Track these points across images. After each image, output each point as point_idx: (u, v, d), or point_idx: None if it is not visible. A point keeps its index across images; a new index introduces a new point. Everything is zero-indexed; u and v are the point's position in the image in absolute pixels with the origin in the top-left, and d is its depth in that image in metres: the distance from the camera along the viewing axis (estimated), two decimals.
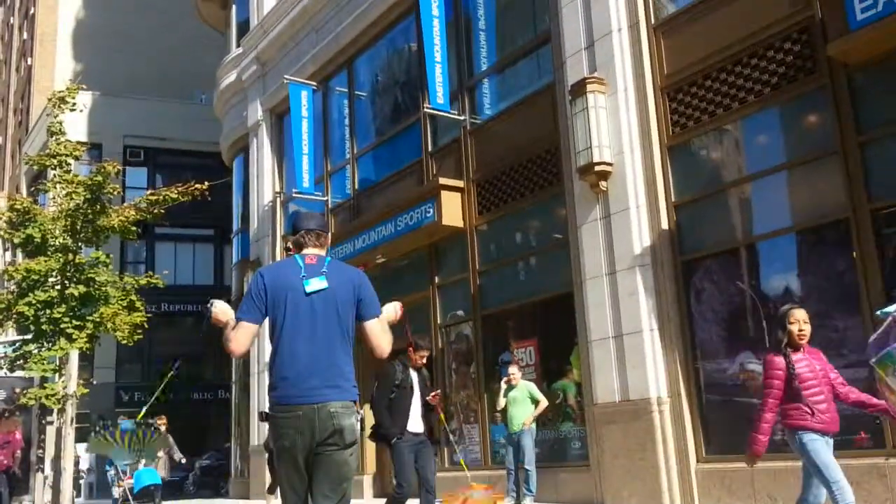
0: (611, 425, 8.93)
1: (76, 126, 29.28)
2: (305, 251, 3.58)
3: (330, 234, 3.77)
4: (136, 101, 31.49)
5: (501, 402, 9.88)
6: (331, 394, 3.34)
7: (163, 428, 13.06)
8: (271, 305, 3.43)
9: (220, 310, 3.50)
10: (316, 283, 3.41)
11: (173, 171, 31.68)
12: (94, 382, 15.59)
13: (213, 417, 28.08)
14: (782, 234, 8.15)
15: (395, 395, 6.53)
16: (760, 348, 8.03)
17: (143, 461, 12.41)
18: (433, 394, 6.95)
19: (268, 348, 3.66)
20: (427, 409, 6.78)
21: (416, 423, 6.59)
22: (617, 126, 9.21)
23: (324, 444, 3.32)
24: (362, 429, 3.48)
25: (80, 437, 26.43)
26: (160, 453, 12.83)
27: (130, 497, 11.66)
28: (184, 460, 13.95)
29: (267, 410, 3.44)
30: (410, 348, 6.86)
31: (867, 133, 7.39)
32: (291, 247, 3.65)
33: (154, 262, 30.95)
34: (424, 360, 7.07)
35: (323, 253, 3.60)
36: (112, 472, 12.17)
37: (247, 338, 3.45)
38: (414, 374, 6.77)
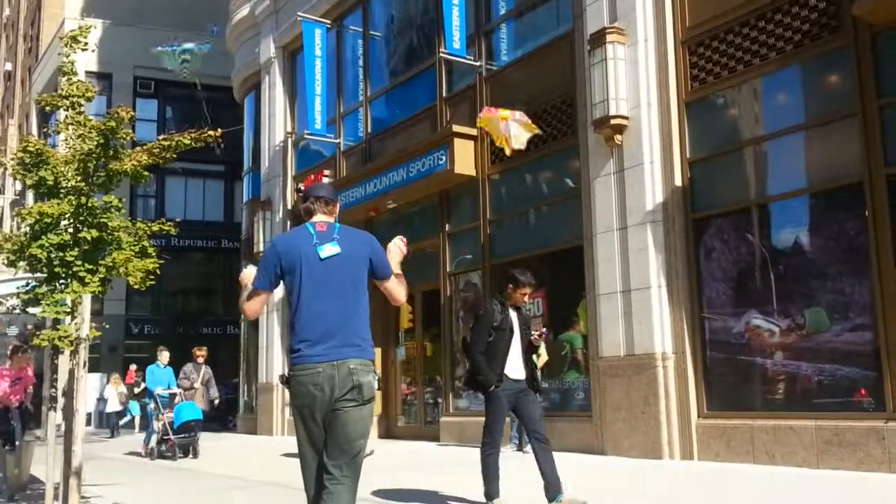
0: (614, 378, 9.04)
1: (85, 56, 29.04)
2: (315, 218, 3.69)
3: (338, 203, 3.85)
4: (146, 32, 31.03)
5: None
6: (350, 352, 3.46)
7: (201, 360, 12.84)
8: (287, 272, 3.56)
9: (246, 274, 3.73)
10: (329, 249, 3.53)
11: (184, 104, 31.45)
12: (107, 326, 15.52)
13: (222, 352, 28.51)
14: (796, 196, 8.09)
15: (492, 337, 5.80)
16: (767, 307, 8.07)
17: (183, 393, 12.10)
18: (538, 333, 6.26)
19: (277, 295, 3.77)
20: (529, 352, 6.05)
21: (516, 369, 5.86)
22: (635, 79, 9.07)
23: (342, 400, 3.43)
24: (378, 387, 3.59)
25: (90, 366, 27.02)
26: (198, 384, 12.56)
27: (171, 431, 11.48)
28: (217, 400, 13.48)
29: (287, 373, 3.54)
30: (510, 286, 6.10)
31: (887, 97, 7.26)
32: (302, 213, 3.76)
33: (164, 197, 31.03)
34: (526, 298, 6.31)
35: (332, 220, 3.72)
36: (151, 405, 11.99)
37: (259, 304, 3.69)
38: (513, 314, 6.01)
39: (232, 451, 13.32)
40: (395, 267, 3.76)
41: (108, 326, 21.72)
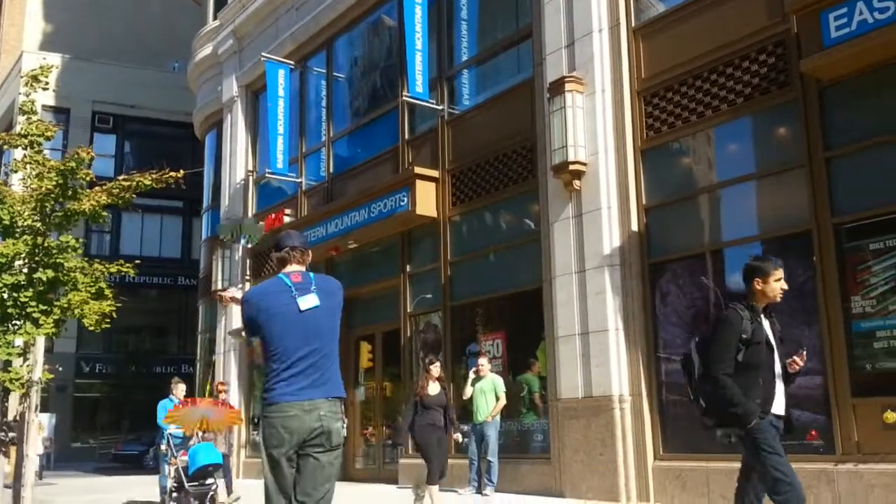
0: (573, 420, 9.11)
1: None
2: (289, 268, 3.83)
3: (310, 251, 3.97)
4: (106, 67, 30.89)
5: (468, 391, 10.02)
6: (321, 397, 3.60)
7: (223, 395, 11.54)
8: (263, 323, 3.69)
9: (230, 291, 3.92)
10: (310, 300, 3.69)
11: (143, 140, 31.21)
12: (60, 368, 15.09)
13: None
14: (748, 242, 8.34)
15: (744, 354, 4.33)
16: None
17: (200, 436, 10.29)
18: (797, 355, 4.64)
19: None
20: (787, 376, 4.53)
21: (777, 400, 4.43)
22: (593, 126, 9.30)
23: (310, 445, 3.55)
24: (345, 434, 3.69)
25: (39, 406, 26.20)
26: None
27: (185, 478, 9.61)
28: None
29: (260, 414, 3.64)
30: (757, 279, 4.57)
31: (834, 149, 7.58)
32: (275, 263, 3.88)
33: (120, 233, 30.55)
34: (780, 296, 4.62)
35: (304, 269, 3.86)
36: (163, 446, 10.38)
37: (262, 350, 3.86)
38: (766, 323, 4.52)
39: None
40: None
41: (60, 368, 21.12)
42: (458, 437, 9.91)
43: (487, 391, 9.88)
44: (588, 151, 9.32)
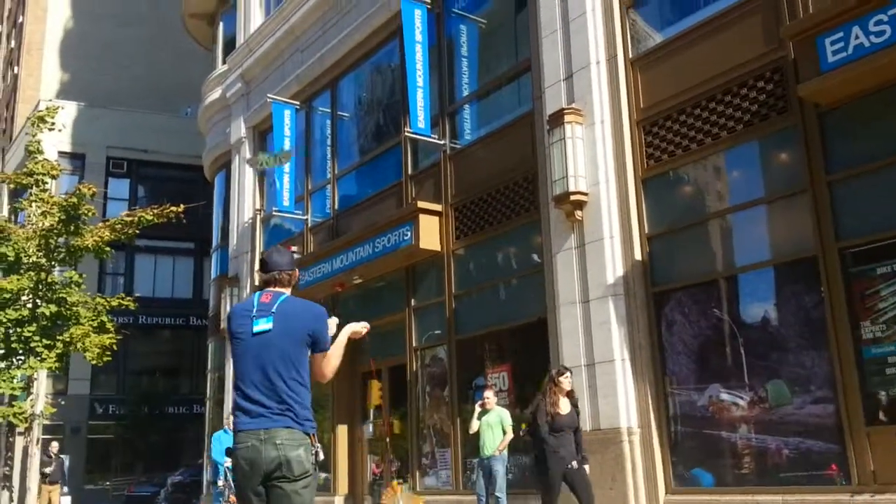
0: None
1: (60, 137, 29.21)
2: (267, 289, 3.73)
3: (295, 272, 3.84)
4: (120, 113, 31.47)
5: (475, 425, 9.90)
6: (277, 426, 3.45)
7: None
8: (230, 337, 3.69)
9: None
10: (262, 325, 3.57)
11: (156, 184, 31.60)
12: (63, 402, 15.29)
13: (189, 433, 27.83)
14: (753, 269, 8.27)
15: None
16: (730, 380, 8.15)
17: None
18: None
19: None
20: None
21: None
22: (593, 157, 9.33)
23: (274, 478, 3.43)
24: (317, 461, 3.52)
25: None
26: None
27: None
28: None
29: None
30: None
31: (835, 172, 7.53)
32: (261, 283, 3.80)
33: (133, 275, 30.78)
34: None
35: (286, 290, 3.73)
36: (220, 482, 9.83)
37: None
38: None
39: None
40: (330, 342, 3.75)
41: (63, 403, 21.05)
42: (574, 464, 7.51)
43: (494, 425, 9.76)
44: (589, 182, 9.33)
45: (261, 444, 3.41)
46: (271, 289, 3.71)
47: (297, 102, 15.51)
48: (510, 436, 9.74)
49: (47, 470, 14.93)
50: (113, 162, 31.63)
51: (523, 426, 7.47)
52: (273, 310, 3.59)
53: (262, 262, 3.81)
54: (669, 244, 8.98)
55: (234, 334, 3.61)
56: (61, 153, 27.55)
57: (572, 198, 9.28)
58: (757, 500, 7.46)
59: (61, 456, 15.50)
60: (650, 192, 9.10)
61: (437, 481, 11.71)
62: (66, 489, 16.75)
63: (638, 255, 8.96)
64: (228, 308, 16.44)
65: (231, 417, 10.51)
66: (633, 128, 9.26)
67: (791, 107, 7.84)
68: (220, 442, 9.79)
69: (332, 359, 3.74)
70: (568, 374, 7.35)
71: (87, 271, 6.61)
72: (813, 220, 7.56)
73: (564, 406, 7.19)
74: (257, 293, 3.71)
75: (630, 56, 9.44)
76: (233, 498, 8.84)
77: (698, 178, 8.93)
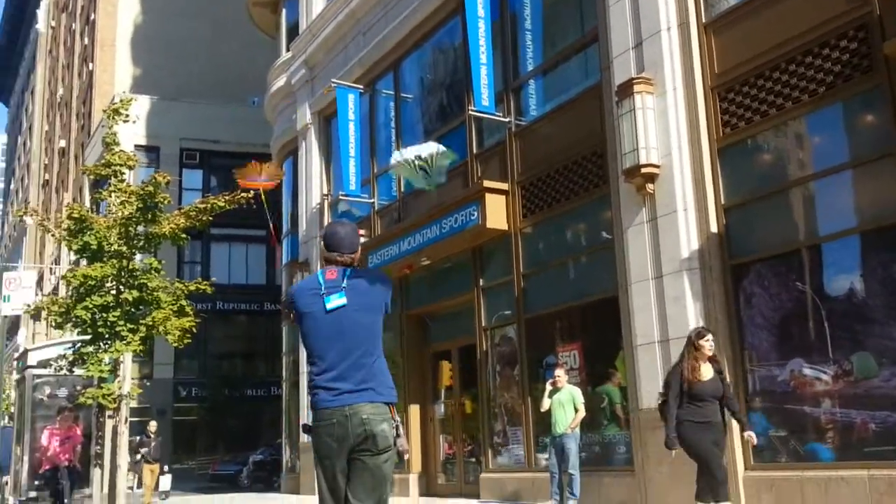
0: (656, 431, 8.77)
1: (135, 130, 30.19)
2: (329, 266, 3.67)
3: (357, 252, 3.74)
4: (190, 105, 32.27)
5: (546, 404, 9.85)
6: (361, 400, 3.44)
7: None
8: (297, 320, 3.63)
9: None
10: (335, 300, 3.53)
11: (227, 173, 32.34)
12: (148, 384, 15.94)
13: (267, 414, 28.60)
14: (837, 238, 7.92)
15: None
16: (813, 353, 7.87)
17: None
18: None
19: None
20: None
21: None
22: (665, 127, 9.08)
23: (357, 451, 3.43)
24: (398, 434, 3.51)
25: (142, 430, 27.24)
26: None
27: None
28: (407, 454, 11.60)
29: (309, 422, 3.58)
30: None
31: None
32: (323, 259, 3.74)
33: (209, 263, 31.67)
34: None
35: (346, 264, 3.66)
36: None
37: None
38: None
39: None
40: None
41: (148, 384, 21.86)
42: (752, 435, 6.91)
43: (566, 403, 9.69)
44: (661, 153, 9.09)
45: (346, 420, 3.41)
46: (335, 266, 3.65)
47: (361, 86, 15.59)
48: (582, 413, 9.66)
49: (145, 450, 15.14)
50: (186, 153, 32.50)
51: (659, 396, 6.89)
52: (343, 285, 3.56)
53: (327, 238, 3.72)
54: (747, 215, 8.68)
55: (304, 313, 3.57)
56: (137, 146, 28.45)
57: (643, 170, 9.06)
58: (841, 475, 7.20)
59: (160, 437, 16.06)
60: (726, 162, 8.81)
61: (509, 459, 11.72)
62: (166, 468, 17.29)
63: (714, 227, 8.70)
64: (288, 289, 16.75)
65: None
66: (708, 95, 8.96)
67: (876, 66, 7.44)
68: None
69: None
70: (709, 336, 6.52)
71: (166, 260, 6.84)
72: None
73: (706, 372, 6.39)
74: (320, 271, 3.67)
75: (703, 20, 9.11)
76: None
77: (777, 145, 8.59)
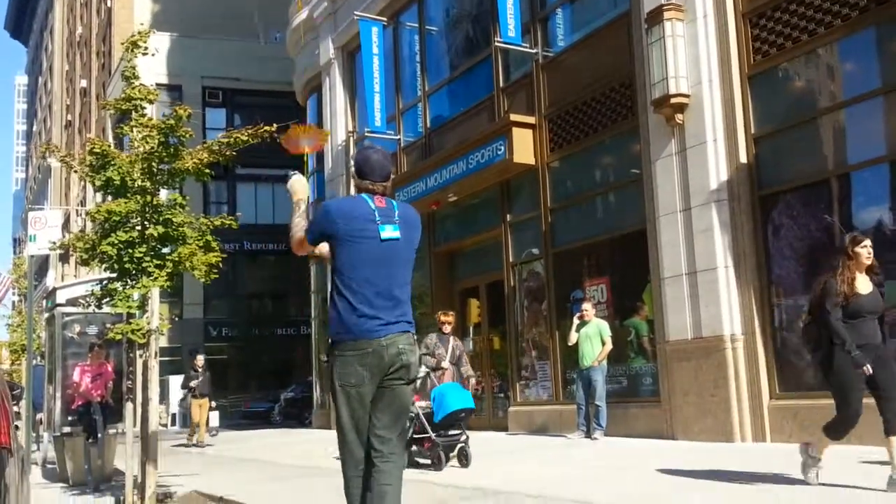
0: (682, 362, 8.85)
1: (156, 69, 30.03)
2: (373, 191, 3.56)
3: (390, 180, 3.63)
4: (211, 42, 31.95)
5: (573, 337, 9.90)
6: (399, 332, 3.45)
7: (448, 328, 9.19)
8: (340, 240, 3.47)
9: (296, 181, 3.77)
10: (390, 232, 3.46)
11: (250, 112, 32.16)
12: (176, 319, 15.99)
13: (297, 352, 29.12)
14: (868, 166, 7.77)
15: None
16: None
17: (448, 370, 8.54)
18: None
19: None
20: None
21: None
22: (695, 55, 8.85)
23: (389, 378, 3.43)
24: (419, 364, 3.61)
25: (173, 369, 27.87)
26: (446, 363, 8.86)
27: (428, 427, 7.61)
28: (475, 382, 9.74)
29: (332, 351, 3.47)
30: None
31: None
32: (355, 187, 3.61)
33: (235, 203, 31.84)
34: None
35: (384, 193, 3.59)
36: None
37: (303, 251, 3.73)
38: None
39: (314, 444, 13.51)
40: None
41: (177, 318, 22.21)
42: None
43: (593, 336, 9.73)
44: (691, 82, 8.88)
45: (383, 350, 3.39)
46: (379, 193, 3.56)
47: (384, 19, 15.30)
48: (609, 346, 9.69)
49: (194, 384, 14.77)
50: (208, 92, 32.31)
51: (803, 316, 6.14)
52: (396, 218, 3.50)
53: (360, 164, 3.60)
54: (777, 144, 8.50)
55: (354, 237, 3.42)
56: (159, 85, 28.26)
57: (673, 100, 8.88)
58: (866, 402, 7.14)
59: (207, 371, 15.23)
60: (757, 90, 8.59)
61: (537, 393, 11.84)
62: (213, 404, 15.95)
63: (743, 158, 8.54)
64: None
65: (441, 320, 9.06)
66: (739, 21, 8.70)
67: None
68: None
69: None
70: (867, 242, 5.41)
71: (193, 201, 6.87)
72: None
73: (864, 285, 5.36)
74: (366, 195, 3.54)
75: None
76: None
77: (809, 72, 8.35)
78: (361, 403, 3.41)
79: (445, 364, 8.82)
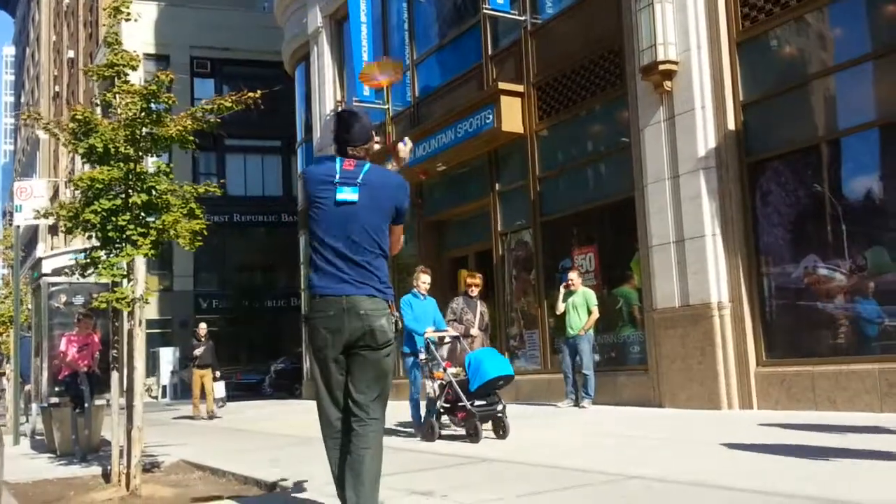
0: (670, 330, 8.89)
1: (144, 38, 29.62)
2: (348, 154, 3.55)
3: (372, 140, 3.61)
4: (199, 11, 31.54)
5: (560, 307, 9.92)
6: (360, 295, 3.41)
7: (475, 291, 8.61)
8: (309, 207, 3.52)
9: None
10: (346, 194, 3.42)
11: (240, 82, 31.77)
12: (161, 288, 15.62)
13: (287, 324, 29.14)
14: (853, 133, 7.77)
15: None
16: (827, 249, 7.80)
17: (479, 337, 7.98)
18: None
19: None
20: None
21: None
22: (683, 22, 8.79)
23: (356, 346, 3.42)
24: (397, 330, 3.51)
25: (163, 342, 27.79)
26: (475, 330, 8.39)
27: (462, 395, 6.91)
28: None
29: (305, 314, 3.55)
30: None
31: None
32: (336, 148, 3.60)
33: (225, 174, 31.64)
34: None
35: (363, 157, 3.56)
36: (422, 356, 7.46)
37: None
38: None
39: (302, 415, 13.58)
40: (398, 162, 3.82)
41: (163, 289, 21.59)
42: None
43: (579, 305, 9.75)
44: (679, 49, 8.82)
45: (344, 314, 3.36)
46: (353, 155, 3.53)
47: None
48: (595, 315, 9.72)
49: (197, 352, 13.75)
50: (197, 62, 31.96)
51: None
52: (359, 180, 3.44)
53: (337, 126, 3.60)
54: (765, 111, 8.48)
55: (315, 200, 3.46)
56: (147, 55, 28.01)
57: (661, 67, 8.83)
58: (852, 368, 7.25)
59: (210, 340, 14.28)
60: (745, 57, 8.55)
61: (525, 362, 11.90)
62: (218, 374, 14.74)
63: (731, 125, 8.51)
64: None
65: (468, 283, 8.56)
66: None
67: None
68: (411, 307, 7.84)
69: (400, 240, 3.72)
70: None
71: (182, 172, 6.78)
72: None
73: None
74: (339, 158, 3.54)
75: None
76: (438, 374, 7.29)
77: (797, 38, 8.30)
78: (327, 366, 3.44)
79: (475, 331, 8.37)
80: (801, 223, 8.14)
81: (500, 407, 7.07)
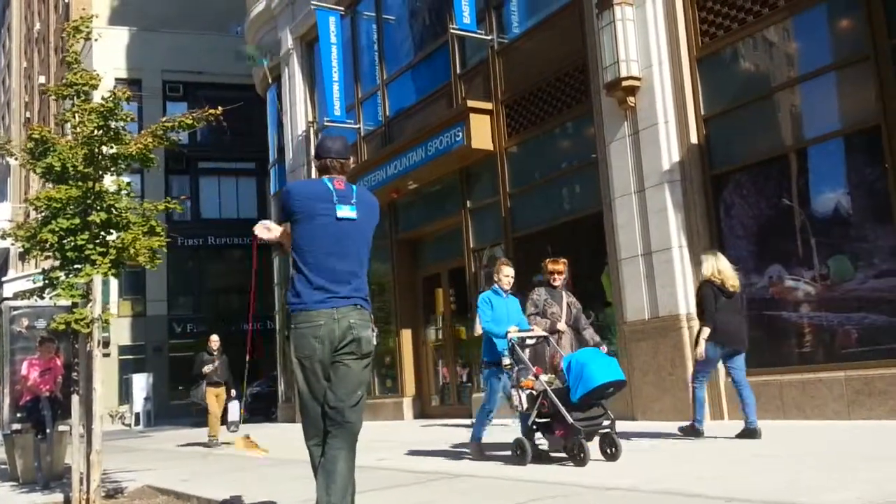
0: (640, 342, 8.92)
1: (116, 63, 29.48)
2: (334, 176, 3.74)
3: (350, 159, 3.88)
4: (171, 36, 31.49)
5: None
6: (347, 304, 3.59)
7: (558, 281, 7.04)
8: (299, 219, 3.64)
9: (263, 228, 3.84)
10: (347, 212, 3.64)
11: (213, 105, 31.65)
12: (134, 313, 15.27)
13: (263, 347, 28.87)
14: (813, 144, 7.90)
15: None
16: (791, 259, 7.88)
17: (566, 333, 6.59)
18: None
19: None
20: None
21: None
22: (645, 39, 8.91)
23: (341, 353, 3.55)
24: (376, 343, 3.69)
25: (137, 367, 27.32)
26: (562, 324, 6.80)
27: (561, 406, 5.67)
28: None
29: (289, 324, 3.65)
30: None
31: None
32: (317, 169, 3.80)
33: (199, 197, 31.46)
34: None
35: (344, 178, 3.77)
36: (506, 361, 6.24)
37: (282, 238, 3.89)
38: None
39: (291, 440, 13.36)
40: None
41: (134, 312, 20.95)
42: None
43: None
44: (641, 65, 8.94)
45: (334, 323, 3.53)
46: (337, 175, 3.73)
47: (342, 8, 15.19)
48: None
49: (208, 368, 12.04)
50: (169, 86, 31.85)
51: None
52: (353, 200, 3.67)
53: (320, 147, 3.79)
54: (726, 124, 8.60)
55: (314, 215, 3.60)
56: (118, 80, 27.87)
57: (624, 84, 8.93)
58: (819, 377, 7.31)
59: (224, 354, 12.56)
60: (705, 72, 8.68)
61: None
62: (234, 392, 13.01)
63: (694, 138, 8.62)
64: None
65: (550, 269, 6.86)
66: (687, 4, 8.82)
67: None
68: (490, 306, 6.64)
69: None
70: None
71: (154, 195, 6.71)
72: (876, 87, 7.11)
73: None
74: (326, 178, 3.72)
75: None
76: (527, 382, 6.03)
77: (755, 53, 8.45)
78: (314, 373, 3.58)
79: (562, 326, 6.78)
80: (764, 234, 8.23)
81: (607, 421, 5.75)
